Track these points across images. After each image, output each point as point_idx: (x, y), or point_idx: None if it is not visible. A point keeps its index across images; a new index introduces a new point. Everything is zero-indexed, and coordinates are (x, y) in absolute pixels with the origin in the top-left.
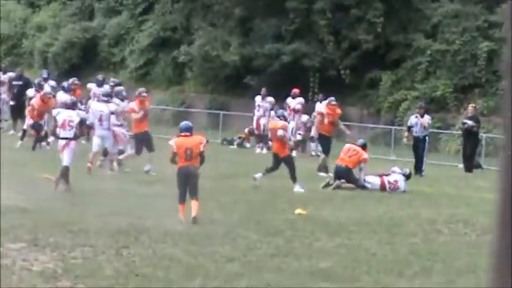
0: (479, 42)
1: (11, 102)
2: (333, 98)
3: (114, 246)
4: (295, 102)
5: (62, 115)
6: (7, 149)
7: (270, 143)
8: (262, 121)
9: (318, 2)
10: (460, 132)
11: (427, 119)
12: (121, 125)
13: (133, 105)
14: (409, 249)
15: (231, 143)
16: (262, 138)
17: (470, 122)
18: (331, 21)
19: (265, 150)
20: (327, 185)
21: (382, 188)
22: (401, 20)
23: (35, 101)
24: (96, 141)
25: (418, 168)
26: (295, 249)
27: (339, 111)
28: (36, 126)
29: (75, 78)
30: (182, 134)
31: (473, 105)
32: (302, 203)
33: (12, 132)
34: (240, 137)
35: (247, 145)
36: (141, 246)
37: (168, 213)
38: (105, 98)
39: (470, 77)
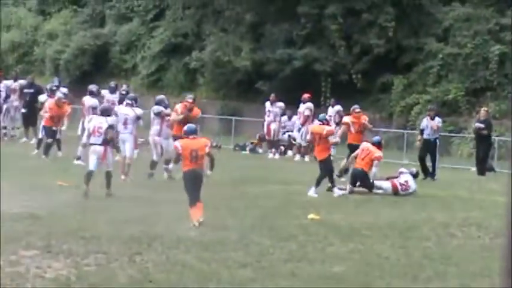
0: (491, 45)
1: (23, 110)
2: (356, 106)
3: (127, 253)
4: (303, 107)
5: (93, 122)
6: (20, 156)
7: (282, 148)
8: (273, 126)
9: (329, 6)
10: (472, 135)
11: (437, 121)
12: (159, 134)
13: (178, 107)
14: (423, 253)
15: (243, 148)
16: (273, 143)
17: (478, 125)
18: (342, 26)
19: (277, 156)
20: (330, 188)
21: (395, 190)
22: (412, 24)
23: (49, 105)
24: (121, 146)
25: (431, 171)
26: (309, 254)
27: (364, 118)
28: (49, 132)
29: (94, 85)
30: (188, 136)
31: (486, 108)
32: (315, 208)
33: (24, 139)
34: (252, 143)
35: (260, 150)
36: (154, 253)
37: (181, 219)
38: (130, 102)
39: (482, 80)
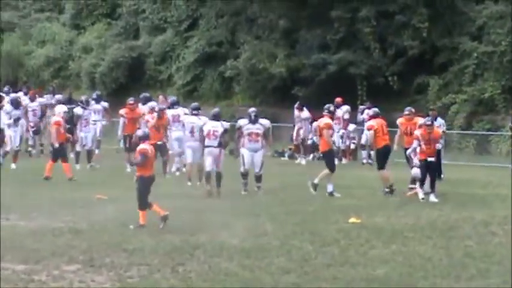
0: None
1: None
2: (408, 108)
3: (169, 264)
4: (342, 111)
5: (207, 126)
6: (56, 171)
7: (314, 154)
8: (301, 132)
9: (363, 9)
10: (510, 133)
11: (438, 123)
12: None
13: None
14: (464, 252)
15: (282, 154)
16: (306, 148)
17: None
18: (376, 28)
19: (304, 161)
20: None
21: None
22: (446, 23)
23: (149, 117)
24: (188, 152)
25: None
26: (351, 257)
27: (416, 120)
28: (161, 148)
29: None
30: (145, 141)
31: None
32: (355, 211)
33: None
34: (290, 148)
35: (298, 156)
36: (196, 262)
37: (222, 227)
38: (195, 112)
39: None
